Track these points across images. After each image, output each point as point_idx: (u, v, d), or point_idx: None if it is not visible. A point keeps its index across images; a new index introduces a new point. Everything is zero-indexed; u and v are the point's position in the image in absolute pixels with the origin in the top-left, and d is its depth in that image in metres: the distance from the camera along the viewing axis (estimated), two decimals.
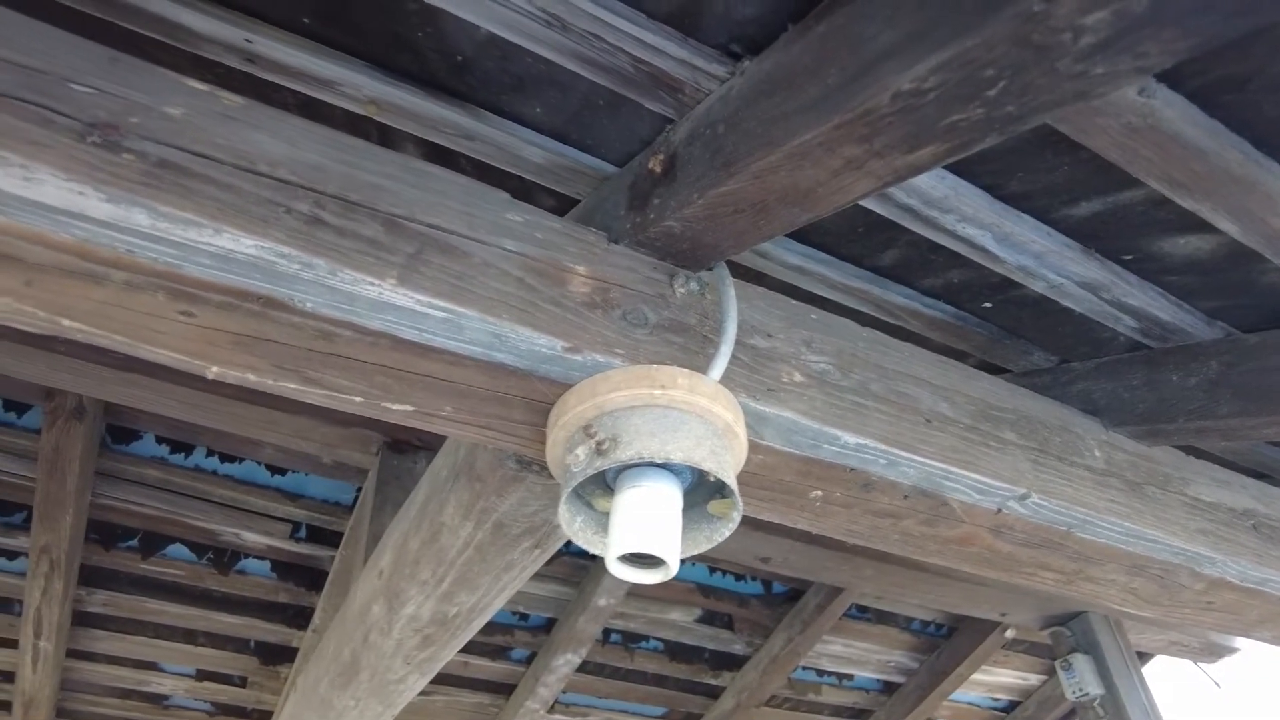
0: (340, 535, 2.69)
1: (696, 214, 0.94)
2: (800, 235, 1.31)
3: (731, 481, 0.90)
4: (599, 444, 0.88)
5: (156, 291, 0.83)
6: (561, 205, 1.27)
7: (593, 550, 0.99)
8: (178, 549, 2.70)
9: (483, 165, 1.21)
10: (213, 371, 0.88)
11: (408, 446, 2.15)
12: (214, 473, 2.53)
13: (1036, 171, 1.10)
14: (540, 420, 1.00)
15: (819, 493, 1.15)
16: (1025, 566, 1.36)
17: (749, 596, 3.26)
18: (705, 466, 0.88)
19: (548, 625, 3.13)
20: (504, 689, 3.34)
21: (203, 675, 3.11)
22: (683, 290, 1.07)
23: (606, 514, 0.99)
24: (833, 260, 1.37)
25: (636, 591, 3.00)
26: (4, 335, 1.86)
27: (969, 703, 3.94)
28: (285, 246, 0.82)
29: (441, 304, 0.87)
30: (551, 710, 3.36)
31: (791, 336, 1.13)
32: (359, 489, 2.58)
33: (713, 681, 3.51)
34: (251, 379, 0.92)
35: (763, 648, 3.39)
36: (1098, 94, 0.63)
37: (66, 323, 0.83)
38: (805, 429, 1.06)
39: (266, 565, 2.77)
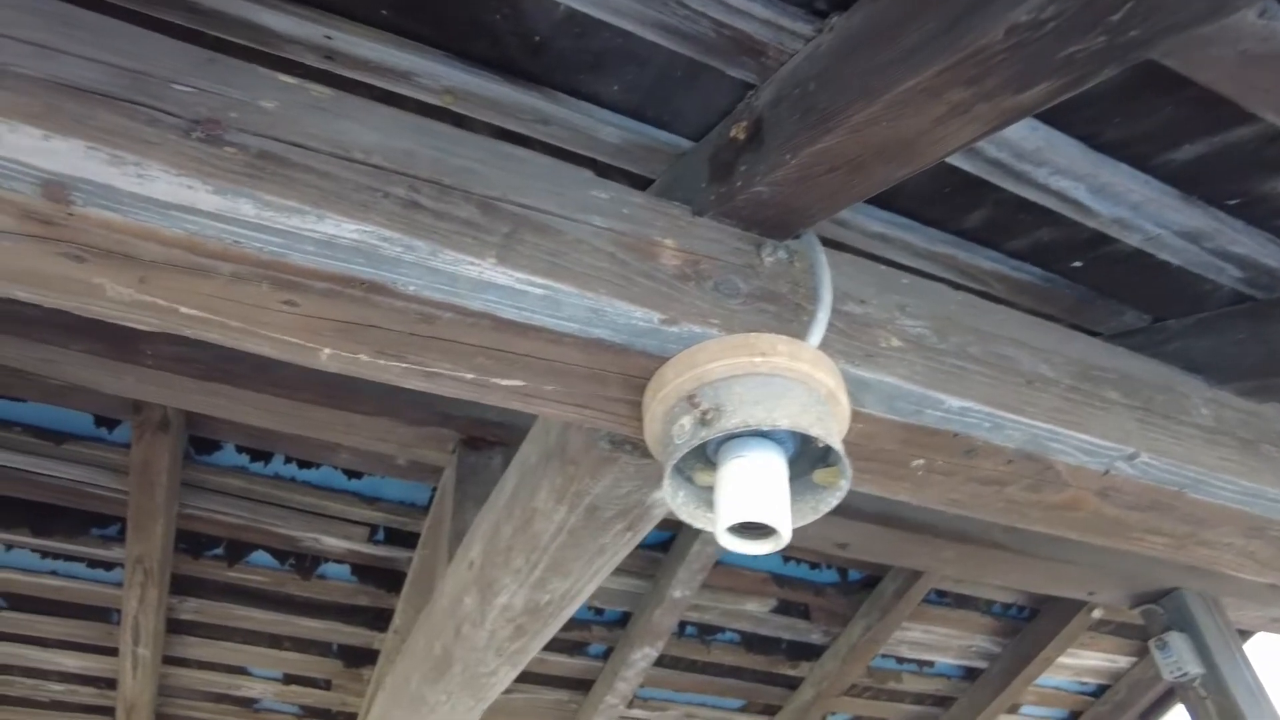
0: (416, 536, 2.73)
1: (788, 176, 0.92)
2: (882, 201, 1.28)
3: (840, 447, 0.88)
4: (704, 414, 0.86)
5: (261, 282, 0.84)
6: (637, 186, 1.26)
7: (695, 524, 0.98)
8: (261, 556, 2.76)
9: (558, 151, 1.21)
10: (325, 355, 0.89)
11: (483, 443, 2.17)
12: (293, 479, 2.59)
13: (1135, 116, 1.05)
14: (636, 396, 0.99)
15: (921, 461, 1.12)
16: (1134, 531, 1.31)
17: (825, 585, 3.21)
18: (813, 432, 0.86)
19: (623, 619, 3.13)
20: (582, 685, 3.35)
21: (289, 679, 3.18)
22: (771, 259, 1.05)
23: (707, 488, 0.98)
24: (915, 225, 1.33)
25: (711, 583, 2.98)
26: (94, 351, 1.92)
27: (1055, 687, 3.83)
28: (386, 230, 0.83)
29: (540, 281, 0.87)
30: (630, 705, 3.36)
31: (884, 302, 1.10)
32: (433, 489, 2.62)
33: (790, 672, 3.47)
34: (363, 359, 0.92)
35: (840, 637, 3.34)
36: (1233, 7, 0.60)
37: (185, 310, 0.85)
38: (908, 394, 1.03)
39: (346, 569, 2.82)
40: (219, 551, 2.73)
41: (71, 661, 3.01)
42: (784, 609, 3.23)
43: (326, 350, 0.88)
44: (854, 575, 3.24)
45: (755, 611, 3.22)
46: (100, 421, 2.44)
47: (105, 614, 2.90)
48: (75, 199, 0.77)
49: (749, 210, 1.02)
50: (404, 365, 0.94)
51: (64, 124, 0.77)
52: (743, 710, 3.64)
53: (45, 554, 2.71)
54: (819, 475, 0.96)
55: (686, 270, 0.97)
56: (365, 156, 0.87)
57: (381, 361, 0.93)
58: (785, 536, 0.87)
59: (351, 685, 3.20)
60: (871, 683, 3.56)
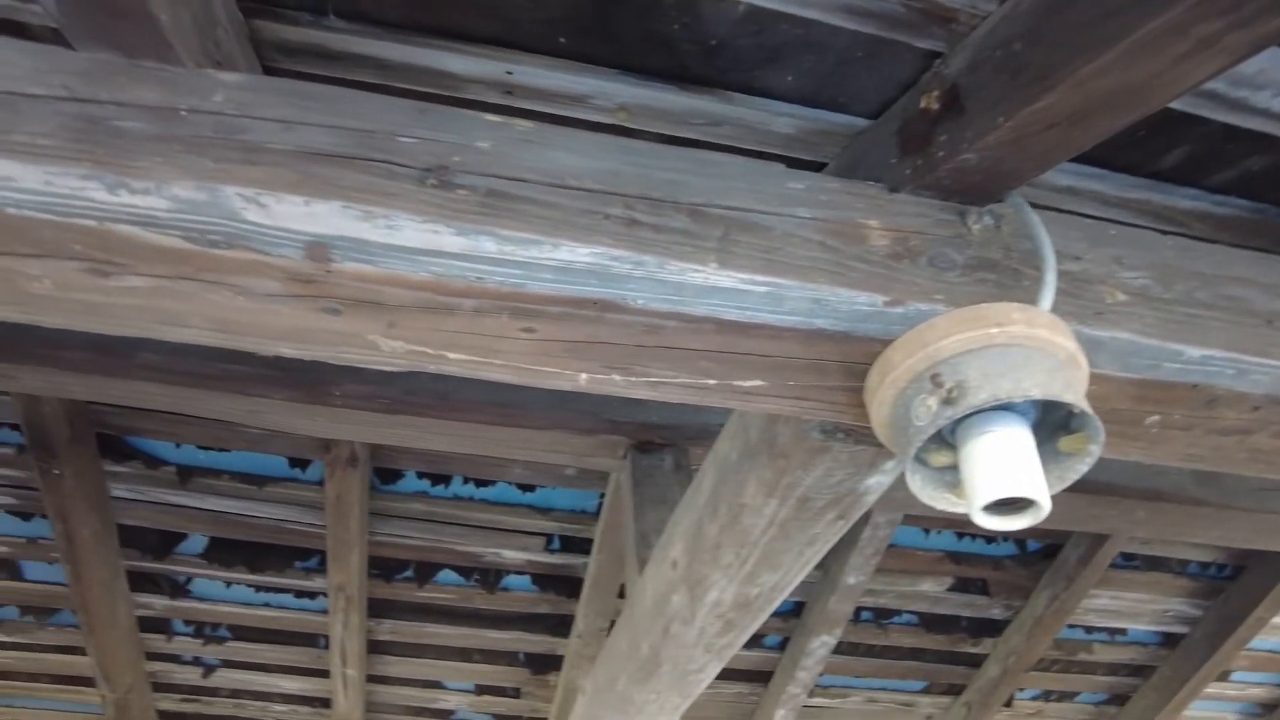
0: (589, 542, 2.81)
1: (1001, 139, 0.90)
2: None
3: (1092, 410, 0.85)
4: (949, 392, 0.85)
5: (501, 314, 0.89)
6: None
7: (937, 505, 0.96)
8: (447, 574, 2.90)
9: (731, 150, 1.22)
10: (582, 380, 0.92)
11: (652, 445, 2.20)
12: (470, 498, 2.71)
13: None
14: (856, 384, 0.98)
15: (1156, 417, 1.06)
16: None
17: (1002, 558, 3.10)
18: (1065, 399, 0.84)
19: (797, 609, 3.11)
20: (761, 677, 3.35)
21: (481, 689, 3.33)
22: (978, 227, 1.02)
23: (942, 469, 0.97)
24: (1105, 174, 1.27)
25: (884, 567, 2.92)
26: (292, 398, 2.07)
27: (1271, 650, 3.55)
28: (615, 249, 0.86)
29: (762, 278, 0.88)
30: (811, 694, 3.33)
31: (1099, 256, 1.05)
32: (601, 494, 2.68)
33: (973, 650, 3.36)
34: (583, 380, 0.96)
35: (1023, 609, 3.21)
36: None
37: (429, 349, 0.91)
38: (1143, 349, 0.98)
39: (527, 579, 2.93)
40: (409, 574, 2.89)
41: (290, 684, 3.25)
42: (961, 586, 3.13)
43: (583, 376, 0.92)
44: (1033, 545, 3.10)
45: (931, 591, 3.13)
46: (294, 463, 2.63)
47: (313, 639, 3.12)
48: (334, 256, 0.84)
49: (951, 179, 0.99)
50: (629, 378, 0.96)
51: (319, 188, 0.83)
52: (925, 692, 3.55)
53: (259, 588, 2.94)
54: (1064, 443, 0.93)
55: (898, 249, 0.96)
56: (578, 182, 0.91)
57: (608, 375, 0.96)
58: (1046, 507, 0.85)
59: (539, 692, 3.32)
60: (1060, 655, 3.40)
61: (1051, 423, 0.93)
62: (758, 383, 0.97)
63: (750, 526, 1.31)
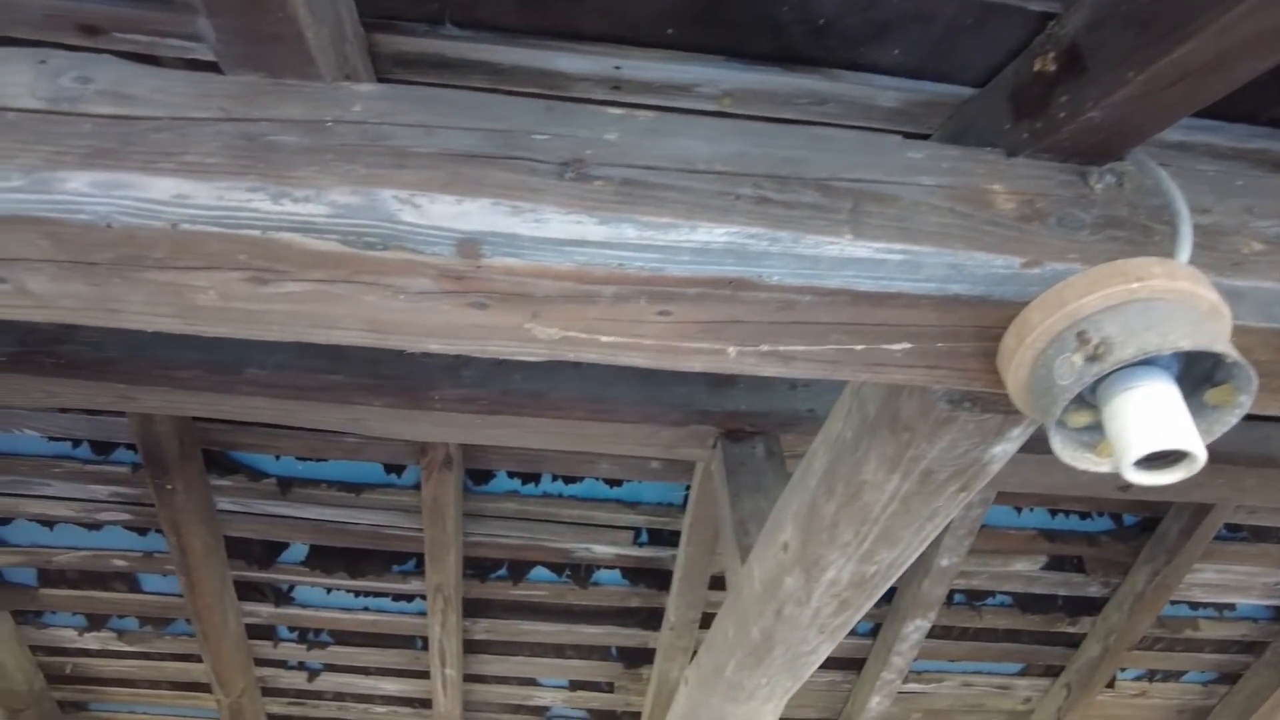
0: (676, 534, 2.83)
1: (1129, 95, 0.89)
2: None
3: (1245, 360, 0.84)
4: (1095, 348, 0.85)
5: (639, 299, 0.92)
6: None
7: (1079, 465, 0.96)
8: (540, 572, 2.95)
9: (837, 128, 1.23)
10: (731, 354, 0.95)
11: (743, 434, 2.22)
12: (560, 495, 2.76)
13: None
14: (989, 349, 0.98)
15: None
16: None
17: (1098, 534, 3.03)
18: (1217, 349, 0.83)
19: (889, 594, 3.08)
20: (853, 664, 3.33)
21: (575, 685, 3.38)
22: (1100, 185, 1.01)
23: (1079, 429, 0.96)
24: (1220, 125, 1.24)
25: (978, 547, 2.88)
26: (393, 404, 2.14)
27: None
28: (751, 227, 0.88)
29: (898, 247, 0.89)
30: (905, 680, 3.30)
31: (1229, 207, 1.04)
32: (686, 487, 2.71)
33: (1071, 630, 3.29)
34: (731, 354, 0.98)
35: (1122, 586, 3.13)
36: None
37: (570, 335, 0.94)
38: None
39: (617, 573, 2.97)
40: (502, 573, 2.95)
41: (390, 686, 3.34)
42: (1056, 564, 3.07)
43: (732, 349, 0.94)
44: (1129, 519, 3.02)
45: (1025, 571, 3.08)
46: (389, 469, 2.71)
47: (411, 641, 3.20)
48: (484, 251, 0.87)
49: (1073, 140, 0.99)
50: (761, 354, 0.98)
51: (468, 187, 0.87)
52: (1022, 674, 3.49)
53: (358, 593, 3.03)
54: (1211, 395, 0.92)
55: (1026, 211, 0.96)
56: (707, 166, 0.93)
57: (741, 353, 0.98)
58: (1201, 458, 0.85)
59: (632, 685, 3.35)
60: (1164, 633, 3.30)
61: (1194, 377, 0.92)
62: (890, 353, 0.98)
63: (870, 504, 1.32)
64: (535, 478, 2.71)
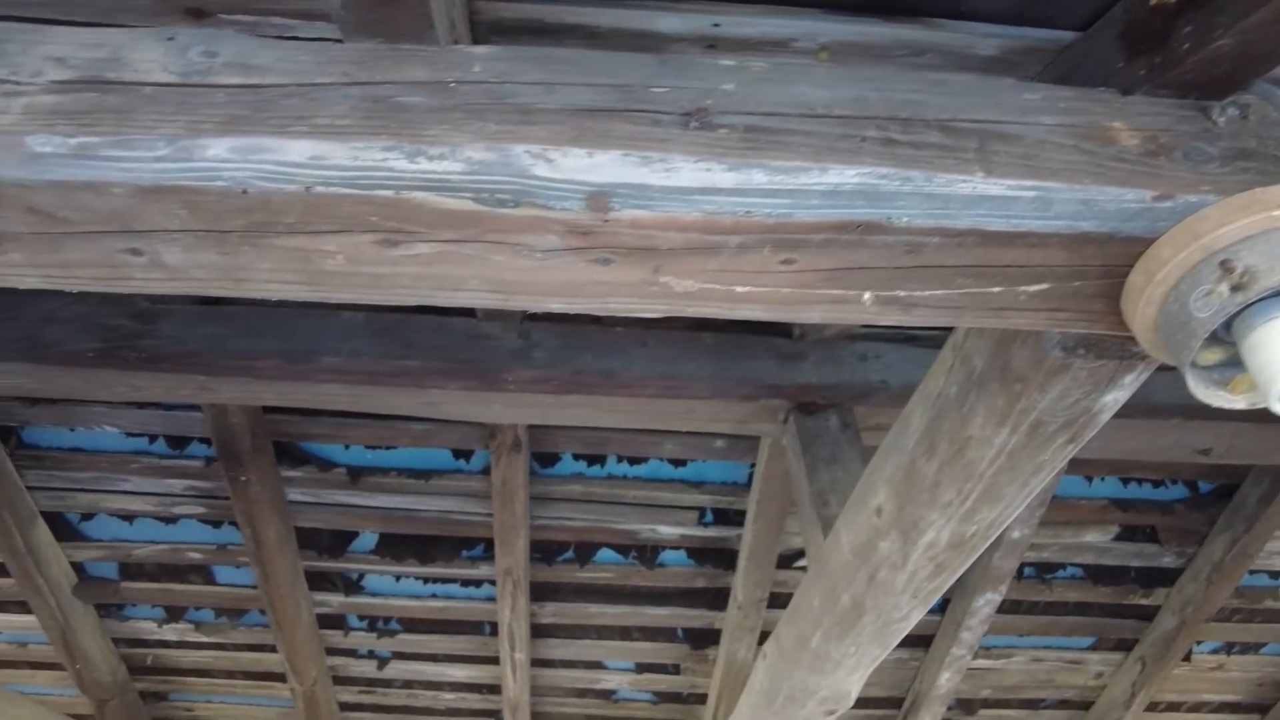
0: (740, 513, 2.83)
1: (1263, 19, 0.87)
2: None
3: None
4: (1240, 277, 0.83)
5: (763, 247, 0.92)
6: None
7: (1214, 403, 0.94)
8: (606, 553, 2.97)
9: None
10: (866, 299, 0.94)
11: (816, 407, 2.21)
12: (625, 477, 2.77)
13: None
14: (1114, 288, 0.97)
15: None
16: None
17: (1172, 502, 2.97)
18: None
19: None
20: (920, 641, 3.31)
21: (641, 668, 3.39)
22: (1223, 119, 0.99)
23: (1209, 367, 0.95)
24: None
25: (1048, 519, 2.84)
26: (468, 387, 2.16)
27: None
28: (882, 168, 0.87)
29: (1030, 183, 0.88)
30: (975, 655, 3.27)
31: None
32: (751, 465, 2.70)
33: (1144, 601, 3.24)
34: (834, 312, 0.98)
35: (1199, 556, 3.07)
36: None
37: (689, 287, 0.94)
38: None
39: (683, 554, 2.97)
40: (569, 555, 2.96)
41: (458, 672, 3.38)
42: (1128, 534, 3.03)
43: (867, 294, 0.94)
44: (1204, 487, 2.97)
45: (1096, 542, 3.04)
46: (458, 454, 2.73)
47: (478, 627, 3.24)
48: (614, 204, 0.88)
49: (1193, 75, 0.97)
50: (883, 301, 0.98)
51: (597, 140, 0.88)
52: (1093, 648, 3.44)
53: (427, 580, 3.07)
54: None
55: (1150, 147, 0.95)
56: (828, 110, 0.92)
57: (860, 300, 0.97)
58: None
59: (698, 667, 3.36)
60: (1243, 604, 3.24)
61: None
62: (1016, 295, 0.97)
63: (975, 460, 1.30)
64: (600, 459, 2.73)
